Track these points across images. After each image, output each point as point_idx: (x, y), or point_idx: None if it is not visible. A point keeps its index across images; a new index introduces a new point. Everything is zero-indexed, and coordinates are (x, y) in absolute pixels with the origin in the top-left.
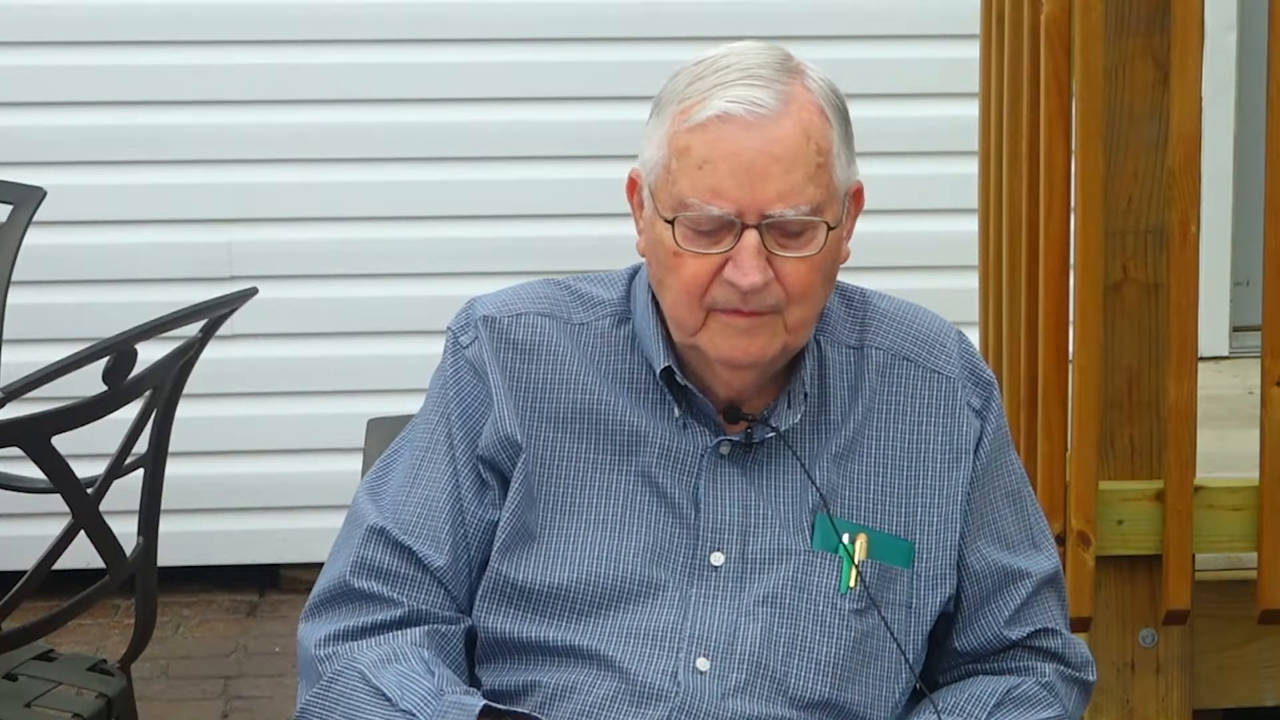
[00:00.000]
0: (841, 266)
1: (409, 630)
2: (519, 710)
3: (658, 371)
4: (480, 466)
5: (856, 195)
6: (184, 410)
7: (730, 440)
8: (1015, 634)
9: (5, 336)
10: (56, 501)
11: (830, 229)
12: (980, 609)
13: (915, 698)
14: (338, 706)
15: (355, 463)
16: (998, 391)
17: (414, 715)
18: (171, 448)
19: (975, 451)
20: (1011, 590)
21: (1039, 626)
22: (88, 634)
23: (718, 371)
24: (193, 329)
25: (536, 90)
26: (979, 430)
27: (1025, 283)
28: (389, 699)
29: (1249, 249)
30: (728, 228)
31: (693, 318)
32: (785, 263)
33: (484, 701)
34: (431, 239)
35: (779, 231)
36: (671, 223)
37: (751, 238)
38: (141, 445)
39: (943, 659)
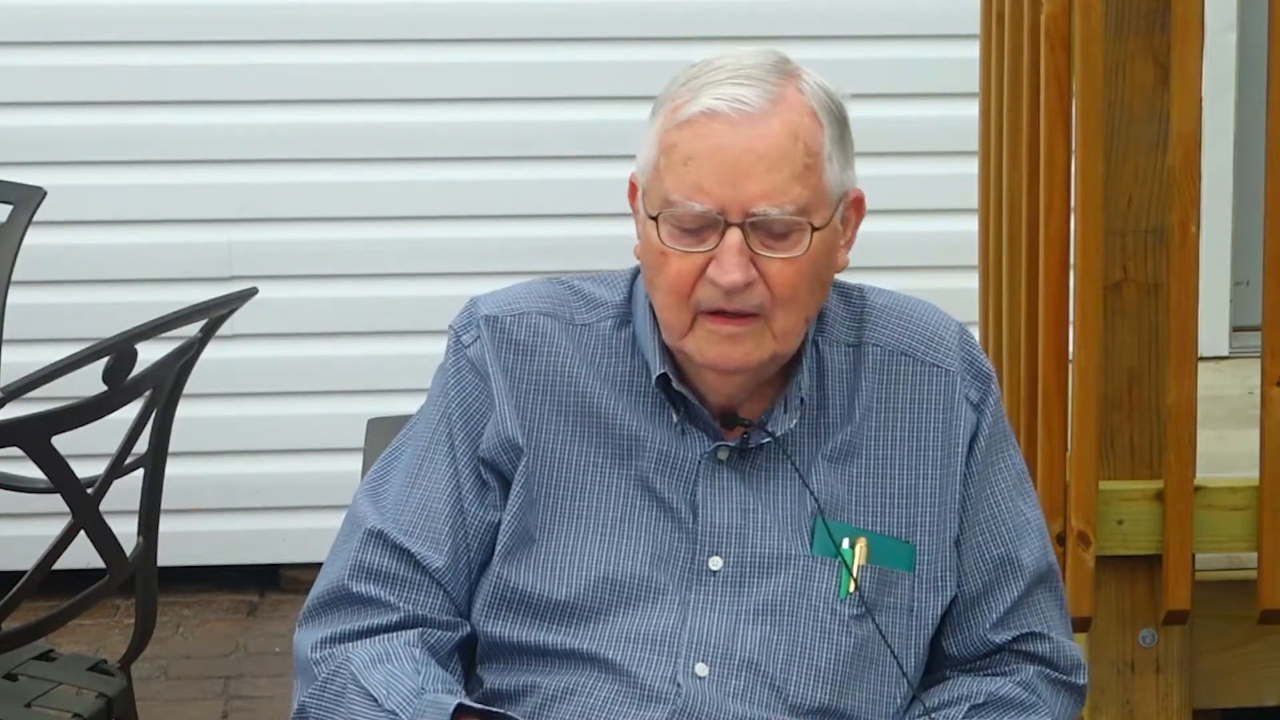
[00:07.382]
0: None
1: (404, 632)
2: (495, 710)
3: (654, 377)
4: (481, 467)
5: (857, 203)
6: (184, 410)
7: (728, 446)
8: (1000, 638)
9: (5, 336)
10: (56, 501)
11: (815, 230)
12: (969, 610)
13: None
14: (334, 709)
15: (355, 463)
16: (996, 385)
17: (397, 715)
18: (171, 448)
19: (970, 447)
20: (1000, 591)
21: (1026, 630)
22: (88, 634)
23: (707, 377)
24: (193, 329)
25: (537, 90)
26: (975, 424)
27: (1025, 283)
28: (376, 699)
29: (1249, 249)
30: (712, 226)
31: (679, 320)
32: (770, 263)
33: (460, 700)
34: (432, 239)
35: (763, 231)
36: (656, 219)
37: (734, 236)
38: (141, 445)
39: (930, 659)
